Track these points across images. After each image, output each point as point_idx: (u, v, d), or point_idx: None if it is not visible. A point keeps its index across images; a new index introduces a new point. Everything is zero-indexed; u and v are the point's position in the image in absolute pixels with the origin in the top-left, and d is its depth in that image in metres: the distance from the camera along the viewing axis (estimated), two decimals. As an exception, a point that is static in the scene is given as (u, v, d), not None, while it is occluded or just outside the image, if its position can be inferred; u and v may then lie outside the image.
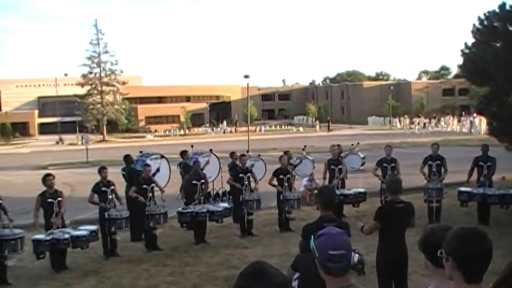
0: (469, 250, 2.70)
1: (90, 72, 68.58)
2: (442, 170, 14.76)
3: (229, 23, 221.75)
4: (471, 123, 57.79)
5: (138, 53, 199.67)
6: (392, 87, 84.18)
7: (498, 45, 17.05)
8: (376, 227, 7.29)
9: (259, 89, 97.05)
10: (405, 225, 7.31)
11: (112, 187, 12.45)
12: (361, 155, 18.88)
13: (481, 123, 50.82)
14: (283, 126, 78.78)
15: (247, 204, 13.98)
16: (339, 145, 16.25)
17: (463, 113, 69.05)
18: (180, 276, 10.61)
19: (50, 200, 11.28)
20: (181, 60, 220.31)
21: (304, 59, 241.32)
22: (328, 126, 69.00)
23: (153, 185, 13.17)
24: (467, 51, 18.02)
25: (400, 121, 71.55)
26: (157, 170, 14.70)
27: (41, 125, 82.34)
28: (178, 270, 11.02)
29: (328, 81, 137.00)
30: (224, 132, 72.34)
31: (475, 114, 58.07)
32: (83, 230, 11.61)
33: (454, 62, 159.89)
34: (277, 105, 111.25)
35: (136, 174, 13.62)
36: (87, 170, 28.48)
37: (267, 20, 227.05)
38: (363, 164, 18.65)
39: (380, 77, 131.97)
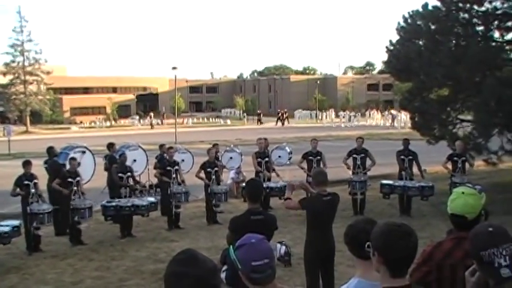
0: (394, 247, 2.77)
1: (13, 61, 66.12)
2: (367, 162, 15.14)
3: (157, 14, 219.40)
4: (393, 116, 59.25)
5: (63, 43, 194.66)
6: (319, 82, 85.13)
7: (421, 43, 17.59)
8: (296, 208, 7.31)
9: (187, 81, 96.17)
10: (332, 217, 7.32)
11: (35, 180, 12.14)
12: (288, 150, 19.07)
13: (401, 117, 52.34)
14: (210, 119, 78.40)
15: (175, 196, 13.94)
16: (265, 138, 16.35)
17: (389, 107, 70.89)
18: (106, 271, 10.46)
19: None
20: (108, 52, 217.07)
21: (233, 52, 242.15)
22: (259, 119, 68.86)
23: (79, 178, 12.91)
24: (391, 48, 18.49)
25: (326, 115, 72.22)
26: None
27: (-40, 115, 78.91)
28: (104, 265, 10.86)
29: (256, 74, 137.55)
30: (151, 124, 71.44)
31: (393, 111, 59.94)
32: (5, 226, 11.24)
33: (379, 58, 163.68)
34: (205, 98, 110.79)
35: (59, 167, 13.32)
36: (9, 163, 27.52)
37: (196, 12, 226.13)
38: (289, 159, 18.90)
39: (307, 72, 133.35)
